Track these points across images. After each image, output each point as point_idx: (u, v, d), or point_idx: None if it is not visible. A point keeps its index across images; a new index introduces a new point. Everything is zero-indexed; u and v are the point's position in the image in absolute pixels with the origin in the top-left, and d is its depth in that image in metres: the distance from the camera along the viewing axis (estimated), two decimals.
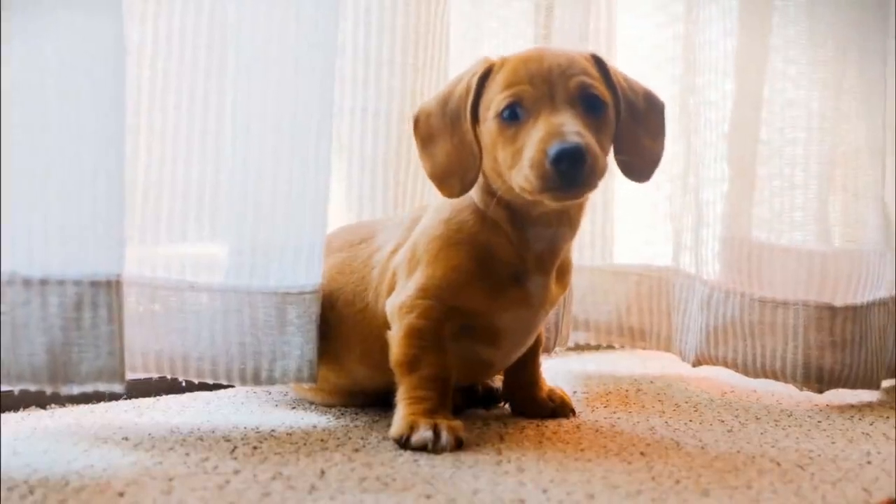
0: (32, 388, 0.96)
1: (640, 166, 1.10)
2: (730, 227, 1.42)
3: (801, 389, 1.37)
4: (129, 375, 1.18)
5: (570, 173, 0.96)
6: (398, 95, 1.34)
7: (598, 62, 1.08)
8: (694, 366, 1.45)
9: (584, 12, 1.44)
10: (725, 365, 1.41)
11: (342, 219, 1.33)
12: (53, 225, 0.97)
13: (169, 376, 1.14)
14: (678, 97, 1.52)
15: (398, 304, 1.09)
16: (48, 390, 0.97)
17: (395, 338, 1.08)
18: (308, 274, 1.13)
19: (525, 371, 1.21)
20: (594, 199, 1.57)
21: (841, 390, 1.39)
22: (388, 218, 1.26)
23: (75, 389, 0.97)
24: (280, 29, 1.11)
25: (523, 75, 1.03)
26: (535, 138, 0.99)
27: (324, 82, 1.12)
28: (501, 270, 1.08)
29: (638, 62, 1.58)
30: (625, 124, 1.07)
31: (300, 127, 1.12)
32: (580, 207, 1.10)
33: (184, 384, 1.19)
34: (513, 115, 1.02)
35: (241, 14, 1.11)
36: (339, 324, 1.16)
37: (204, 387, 1.24)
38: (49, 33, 0.95)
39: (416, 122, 1.11)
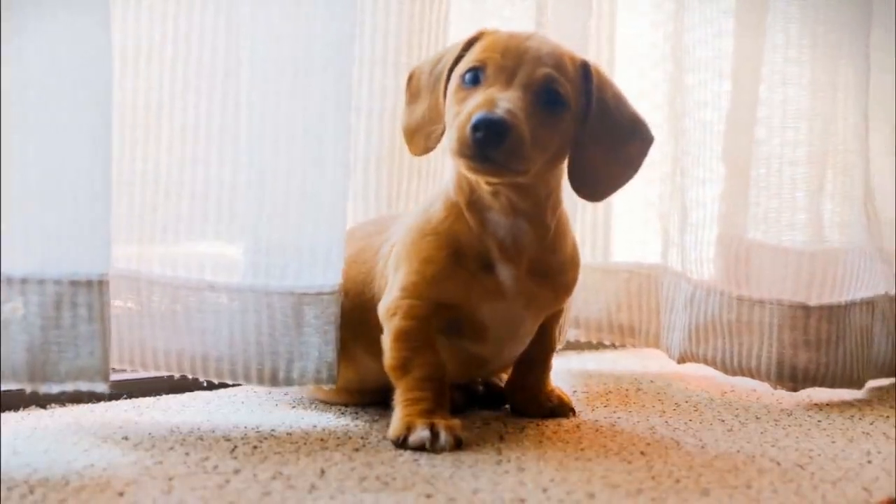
0: (12, 386, 0.96)
1: (593, 184, 1.10)
2: (719, 226, 1.42)
3: (775, 388, 1.38)
4: (151, 374, 1.20)
5: (485, 144, 0.97)
6: (391, 94, 1.34)
7: (585, 70, 1.07)
8: (679, 363, 1.46)
9: (582, 9, 1.44)
10: (706, 362, 1.42)
11: None
12: (34, 224, 0.96)
13: (190, 376, 1.14)
14: (667, 96, 1.52)
15: (385, 307, 1.10)
16: (28, 389, 0.96)
17: (386, 341, 1.09)
18: (325, 274, 1.13)
19: (531, 373, 1.21)
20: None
21: (838, 390, 1.39)
22: (404, 213, 1.26)
23: (55, 388, 0.97)
24: (295, 27, 1.11)
25: (499, 46, 1.04)
26: (471, 104, 1.00)
27: (339, 80, 1.13)
28: (470, 258, 1.08)
29: (638, 60, 1.58)
30: (592, 138, 1.07)
31: (316, 126, 1.12)
32: (536, 204, 1.08)
33: (205, 383, 1.19)
34: (473, 80, 1.04)
35: (255, 14, 1.11)
36: (351, 312, 1.16)
37: (204, 386, 1.24)
38: (31, 32, 0.95)
39: (410, 78, 1.14)
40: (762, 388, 1.43)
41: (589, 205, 1.56)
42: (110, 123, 1.00)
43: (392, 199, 1.36)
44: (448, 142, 1.01)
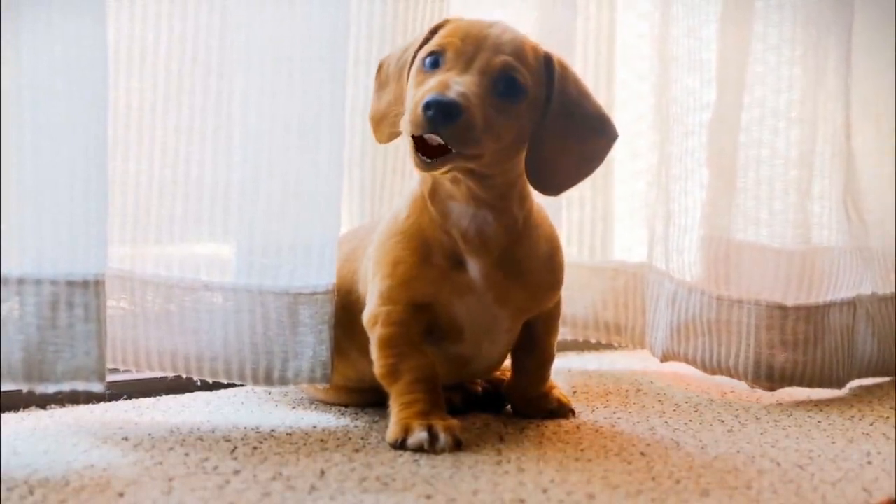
0: (8, 386, 0.97)
1: (548, 177, 1.08)
2: (702, 227, 1.43)
3: (752, 388, 1.39)
4: (151, 374, 1.20)
5: (435, 123, 0.96)
6: None
7: (547, 61, 1.07)
8: (662, 361, 1.46)
9: (568, 10, 1.44)
10: (687, 361, 1.43)
11: None
12: (31, 224, 0.97)
13: (184, 375, 1.14)
14: (660, 99, 1.52)
15: (367, 316, 1.10)
16: (24, 389, 0.97)
17: (373, 350, 1.09)
18: (320, 274, 1.13)
19: (530, 375, 1.20)
20: (588, 194, 1.57)
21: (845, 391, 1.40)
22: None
23: (51, 388, 0.97)
24: (290, 27, 1.11)
25: (461, 32, 1.04)
26: (428, 86, 1.00)
27: (334, 80, 1.13)
28: (438, 254, 1.08)
29: (638, 62, 1.58)
30: (552, 130, 1.06)
31: (310, 125, 1.12)
32: (499, 195, 1.07)
33: (211, 383, 1.19)
34: (433, 64, 1.04)
35: (249, 13, 1.12)
36: (342, 312, 1.16)
37: (204, 387, 1.24)
38: (28, 33, 0.95)
39: (379, 68, 1.14)
40: (762, 389, 1.43)
41: (577, 202, 1.56)
42: (106, 124, 1.00)
43: (385, 199, 1.36)
44: (403, 124, 1.01)
